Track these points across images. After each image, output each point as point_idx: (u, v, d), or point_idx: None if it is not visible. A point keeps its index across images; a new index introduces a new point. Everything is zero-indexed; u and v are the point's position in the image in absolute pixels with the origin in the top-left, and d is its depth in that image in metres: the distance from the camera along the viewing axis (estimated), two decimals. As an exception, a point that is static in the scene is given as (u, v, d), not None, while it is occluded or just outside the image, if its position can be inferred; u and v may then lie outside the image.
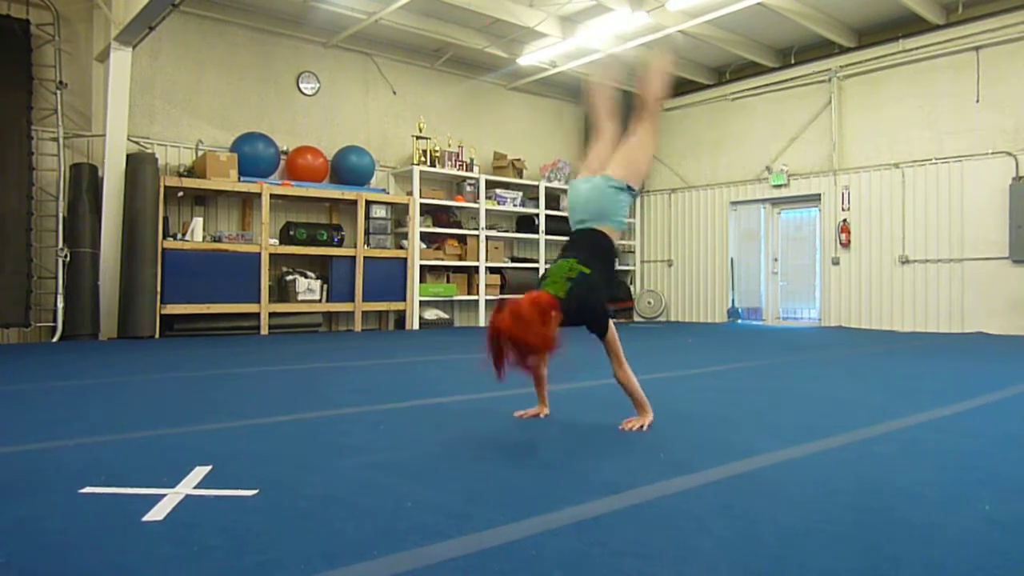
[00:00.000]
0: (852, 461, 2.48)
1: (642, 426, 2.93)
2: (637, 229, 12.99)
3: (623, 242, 12.91)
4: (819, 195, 10.69)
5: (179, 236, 8.31)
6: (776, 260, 11.46)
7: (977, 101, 9.16)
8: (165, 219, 8.14)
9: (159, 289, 7.90)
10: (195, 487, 2.09)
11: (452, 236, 10.65)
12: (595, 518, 1.83)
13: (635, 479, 2.19)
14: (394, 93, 10.68)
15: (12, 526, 1.78)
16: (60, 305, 7.70)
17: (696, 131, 12.20)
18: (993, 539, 1.69)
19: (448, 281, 10.60)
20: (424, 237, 10.31)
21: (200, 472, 2.24)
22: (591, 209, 3.01)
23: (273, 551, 1.60)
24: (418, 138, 10.19)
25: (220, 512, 1.87)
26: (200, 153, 8.80)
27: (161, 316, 7.98)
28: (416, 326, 9.96)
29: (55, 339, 7.65)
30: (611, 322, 2.87)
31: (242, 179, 8.66)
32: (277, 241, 9.00)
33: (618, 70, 2.88)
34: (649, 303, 12.68)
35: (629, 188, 3.06)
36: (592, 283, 2.80)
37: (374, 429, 3.01)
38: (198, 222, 8.35)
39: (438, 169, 10.34)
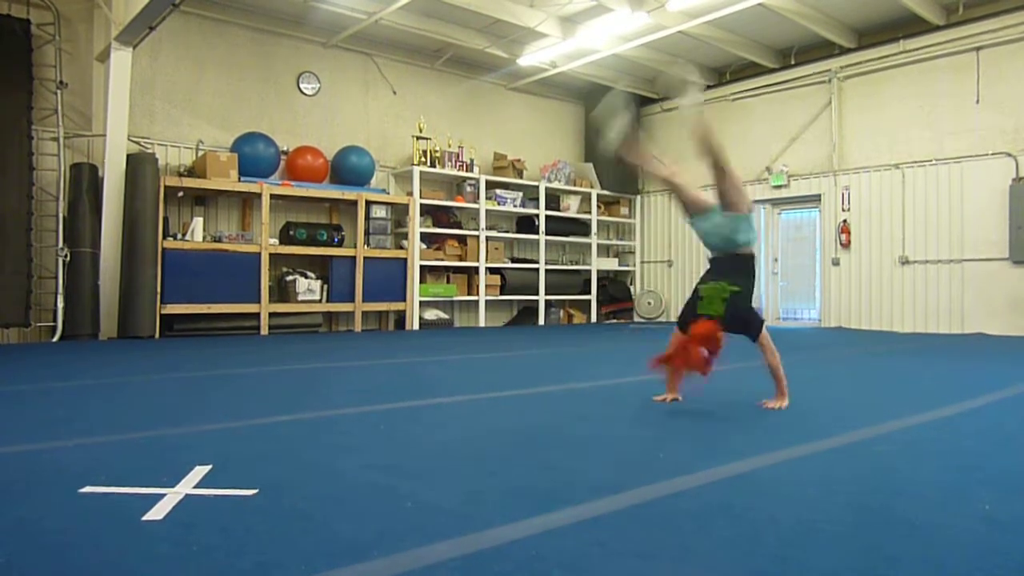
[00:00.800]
0: (852, 461, 2.48)
1: (780, 407, 3.46)
2: (637, 230, 13.00)
3: (624, 242, 12.93)
4: (819, 196, 10.69)
5: (179, 236, 8.31)
6: (776, 260, 11.46)
7: (977, 102, 9.15)
8: (165, 219, 8.14)
9: (159, 289, 7.90)
10: (195, 487, 2.08)
11: (452, 236, 10.65)
12: (595, 518, 1.83)
13: (635, 479, 2.19)
14: (394, 93, 10.68)
15: (12, 526, 1.78)
16: (60, 305, 7.70)
17: (696, 131, 12.18)
18: (993, 539, 1.69)
19: (448, 281, 10.60)
20: (424, 237, 10.31)
21: (200, 472, 2.23)
22: (727, 241, 3.56)
23: (273, 551, 1.60)
24: (418, 138, 10.19)
25: (220, 512, 1.87)
26: (200, 153, 8.80)
27: (161, 316, 7.98)
28: (416, 326, 9.96)
29: (55, 339, 7.65)
30: (763, 324, 3.51)
31: (242, 179, 8.66)
32: (277, 241, 9.00)
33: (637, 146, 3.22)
34: (649, 303, 12.67)
35: (749, 212, 3.57)
36: (742, 298, 3.41)
37: (374, 429, 3.01)
38: (198, 222, 8.35)
39: (438, 169, 10.34)
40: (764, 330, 3.47)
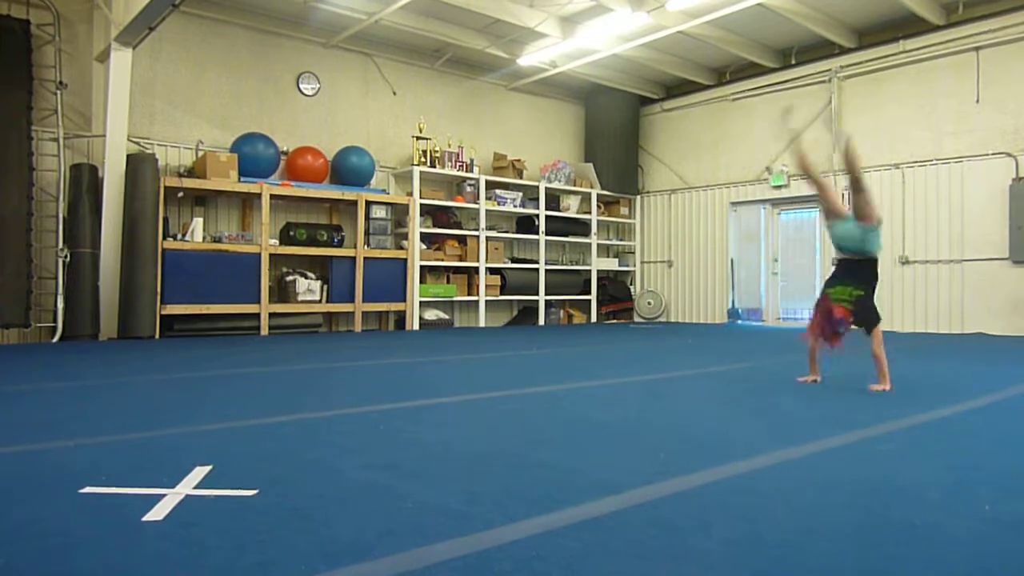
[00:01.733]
0: (852, 461, 2.48)
1: (884, 389, 4.08)
2: (637, 229, 13.00)
3: (624, 242, 12.94)
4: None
5: (179, 236, 8.31)
6: (776, 260, 11.46)
7: (977, 101, 9.15)
8: (165, 219, 8.14)
9: (159, 289, 7.90)
10: (195, 487, 2.09)
11: (452, 237, 10.65)
12: (595, 518, 1.83)
13: (635, 479, 2.19)
14: (394, 93, 10.68)
15: (12, 526, 1.78)
16: (60, 305, 7.70)
17: (696, 131, 12.21)
18: (994, 539, 1.69)
19: (448, 282, 10.60)
20: (424, 238, 10.31)
21: (200, 472, 2.24)
22: (858, 247, 4.25)
23: (273, 551, 1.60)
24: (418, 138, 10.19)
25: (220, 512, 1.87)
26: (200, 153, 8.80)
27: (161, 316, 7.98)
28: (416, 327, 9.96)
29: (55, 339, 7.65)
30: (879, 321, 4.21)
31: (242, 179, 8.66)
32: (277, 241, 9.00)
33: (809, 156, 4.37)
34: (649, 303, 12.68)
35: (878, 225, 4.27)
36: (865, 300, 4.18)
37: (374, 429, 3.01)
38: (198, 222, 8.35)
39: (438, 170, 10.34)
40: (878, 326, 4.17)
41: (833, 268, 4.54)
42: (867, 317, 4.15)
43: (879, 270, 4.34)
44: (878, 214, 4.28)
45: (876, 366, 4.13)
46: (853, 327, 4.17)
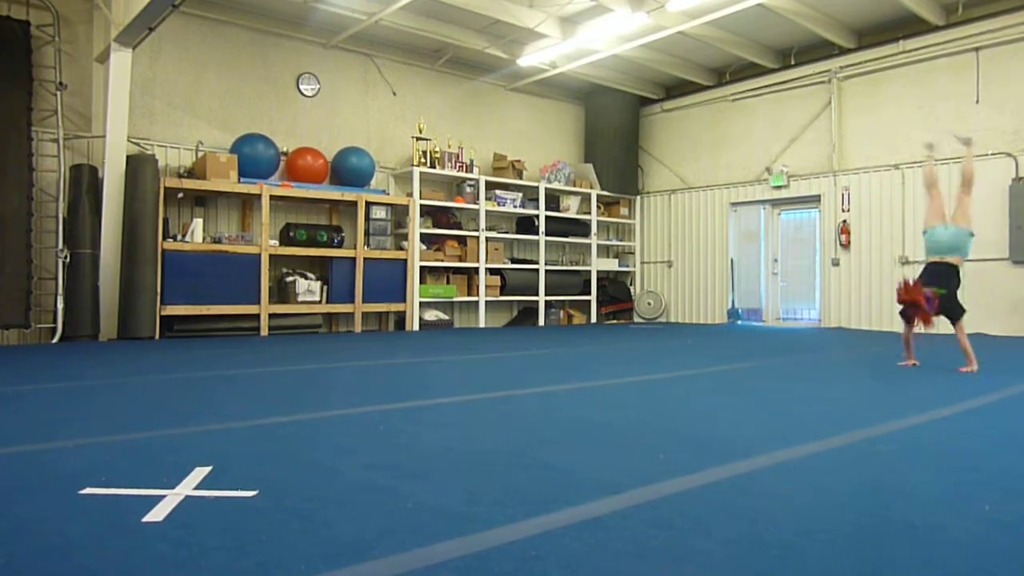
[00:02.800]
0: (852, 461, 2.48)
1: (972, 370, 4.92)
2: (637, 230, 13.00)
3: (624, 243, 12.95)
4: (819, 196, 10.69)
5: (179, 237, 8.31)
6: (776, 261, 11.46)
7: (977, 102, 9.16)
8: (165, 220, 8.14)
9: (159, 290, 7.90)
10: (195, 488, 2.09)
11: (452, 237, 10.64)
12: (595, 518, 1.83)
13: (635, 479, 2.19)
14: (394, 94, 10.68)
15: (12, 527, 1.78)
16: (60, 306, 7.70)
17: (696, 132, 12.21)
18: (994, 540, 1.69)
19: (448, 282, 10.60)
20: (424, 238, 10.31)
21: (200, 473, 2.24)
22: (950, 248, 5.16)
23: (273, 552, 1.60)
24: (418, 139, 10.19)
25: (220, 513, 1.87)
26: (200, 154, 8.80)
27: (161, 317, 7.97)
28: (416, 327, 9.96)
29: (55, 340, 7.65)
30: (963, 314, 5.09)
31: (242, 180, 8.66)
32: (277, 242, 8.99)
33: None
34: (649, 304, 12.68)
35: (970, 233, 5.22)
36: (948, 298, 5.02)
37: (374, 430, 3.01)
38: (198, 223, 8.35)
39: (438, 170, 10.34)
40: (961, 320, 5.05)
41: (921, 270, 5.33)
42: (951, 309, 5.03)
43: (960, 274, 5.18)
44: (971, 219, 5.21)
45: (963, 353, 5.00)
46: (937, 315, 5.00)
